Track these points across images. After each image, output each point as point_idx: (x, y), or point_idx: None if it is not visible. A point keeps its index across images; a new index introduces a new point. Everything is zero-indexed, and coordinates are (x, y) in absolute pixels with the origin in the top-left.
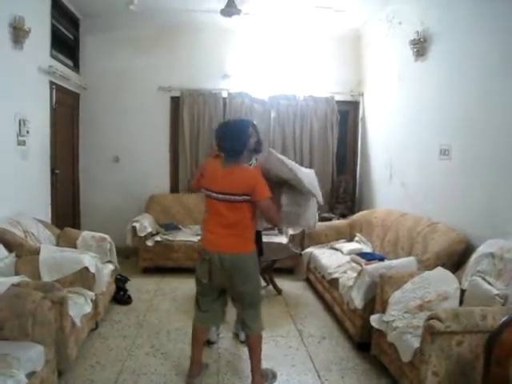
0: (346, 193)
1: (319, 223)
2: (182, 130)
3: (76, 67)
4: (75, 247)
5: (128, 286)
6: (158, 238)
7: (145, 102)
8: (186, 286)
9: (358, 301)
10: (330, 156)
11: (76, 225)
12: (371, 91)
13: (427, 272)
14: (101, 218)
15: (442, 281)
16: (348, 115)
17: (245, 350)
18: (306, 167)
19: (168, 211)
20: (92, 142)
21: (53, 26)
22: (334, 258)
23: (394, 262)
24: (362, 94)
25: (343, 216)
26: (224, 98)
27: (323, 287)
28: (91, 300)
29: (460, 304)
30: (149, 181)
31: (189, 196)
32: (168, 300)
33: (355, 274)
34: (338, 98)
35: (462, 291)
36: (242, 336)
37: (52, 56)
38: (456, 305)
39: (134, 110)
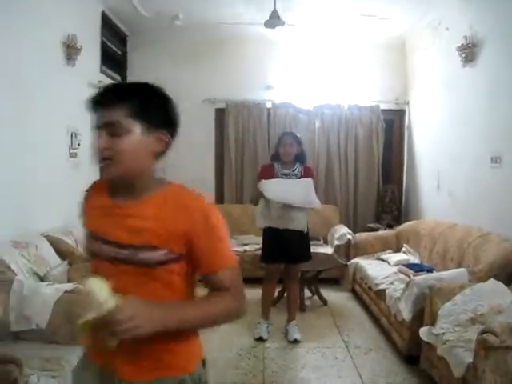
0: (392, 202)
1: (366, 233)
2: (227, 142)
3: (124, 81)
4: None
5: None
6: None
7: (190, 114)
8: None
9: (405, 312)
10: (376, 165)
11: None
12: (417, 99)
13: (479, 284)
14: None
15: (496, 293)
16: (393, 124)
17: (291, 349)
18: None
19: None
20: None
21: (103, 43)
22: (380, 269)
23: (444, 273)
24: (408, 103)
25: (390, 226)
26: (268, 109)
27: (370, 298)
28: None
29: None
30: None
31: (233, 206)
32: None
33: (403, 286)
34: (383, 106)
35: None
36: (290, 336)
37: (101, 71)
38: (511, 319)
39: (180, 122)
